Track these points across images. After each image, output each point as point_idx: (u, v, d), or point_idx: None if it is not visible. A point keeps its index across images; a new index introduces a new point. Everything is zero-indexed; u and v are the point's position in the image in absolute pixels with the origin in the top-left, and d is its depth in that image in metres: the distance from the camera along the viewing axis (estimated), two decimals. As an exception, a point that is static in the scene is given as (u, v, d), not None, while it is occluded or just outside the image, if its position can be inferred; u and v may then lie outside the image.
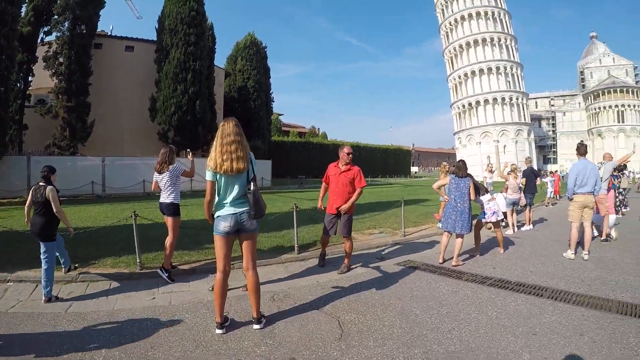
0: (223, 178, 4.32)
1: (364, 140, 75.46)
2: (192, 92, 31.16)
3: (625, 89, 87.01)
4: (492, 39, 74.74)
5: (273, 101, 45.99)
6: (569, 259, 8.01)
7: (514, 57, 76.60)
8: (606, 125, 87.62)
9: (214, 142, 4.37)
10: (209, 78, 34.65)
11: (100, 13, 31.16)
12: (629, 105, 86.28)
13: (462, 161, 7.91)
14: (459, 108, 79.55)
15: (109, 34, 38.56)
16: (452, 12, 78.78)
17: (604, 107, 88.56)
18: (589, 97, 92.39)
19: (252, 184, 4.37)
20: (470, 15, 76.00)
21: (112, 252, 7.81)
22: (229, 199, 4.34)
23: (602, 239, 10.05)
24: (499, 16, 76.49)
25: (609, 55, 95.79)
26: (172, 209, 6.60)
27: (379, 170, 69.09)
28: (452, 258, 7.59)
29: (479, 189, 8.18)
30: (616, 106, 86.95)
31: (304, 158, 54.25)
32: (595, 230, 10.27)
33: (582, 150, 8.58)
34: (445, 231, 7.81)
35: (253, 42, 43.85)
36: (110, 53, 35.00)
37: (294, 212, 8.33)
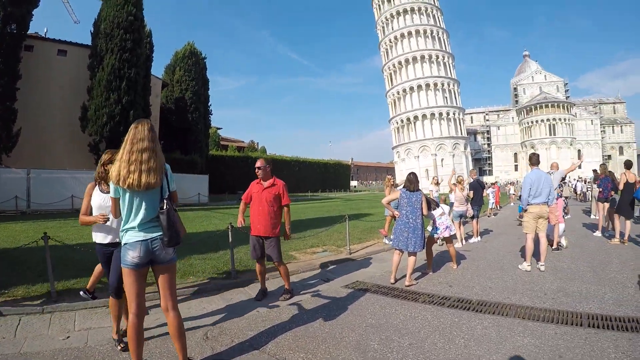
0: (127, 195, 3.39)
1: (304, 155, 75.07)
2: (126, 101, 29.28)
3: (556, 104, 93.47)
4: (430, 56, 76.51)
5: (211, 114, 44.63)
6: (525, 271, 7.70)
7: (451, 73, 78.68)
8: (539, 137, 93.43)
9: (121, 149, 3.42)
10: (145, 87, 32.77)
11: (33, 12, 28.47)
12: (559, 119, 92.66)
13: (414, 174, 7.24)
14: (397, 123, 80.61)
15: (43, 36, 35.90)
16: (392, 29, 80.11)
17: (537, 121, 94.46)
18: (522, 112, 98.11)
19: (165, 202, 3.45)
20: (409, 33, 77.55)
21: (25, 279, 6.60)
22: (136, 221, 3.42)
23: (553, 247, 9.91)
24: (437, 34, 78.63)
25: (540, 73, 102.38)
26: None
27: (318, 184, 69.17)
28: (404, 277, 6.96)
29: (430, 203, 7.66)
30: (548, 120, 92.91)
31: (243, 173, 51.96)
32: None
33: (534, 159, 8.26)
34: (396, 249, 7.12)
35: (192, 52, 42.47)
36: (42, 56, 32.13)
37: (229, 232, 7.43)
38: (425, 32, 77.30)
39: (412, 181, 7.04)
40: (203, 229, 13.66)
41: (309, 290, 6.70)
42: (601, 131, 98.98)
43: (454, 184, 11.71)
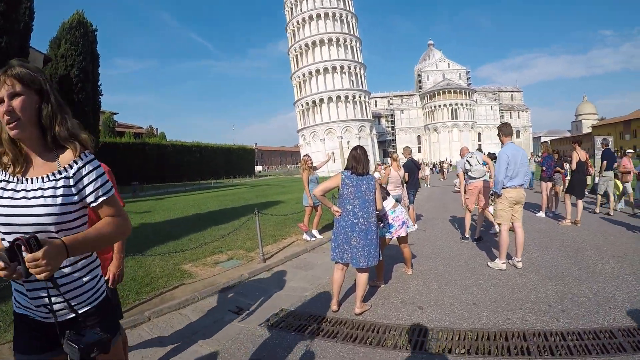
0: None
1: (206, 140, 70.96)
2: None
3: (459, 90, 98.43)
4: (338, 40, 75.43)
5: (102, 94, 38.34)
6: (500, 270, 6.09)
7: (358, 57, 78.36)
8: (441, 121, 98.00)
9: None
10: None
11: None
12: (461, 104, 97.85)
13: (361, 149, 4.74)
14: (302, 106, 79.00)
15: None
16: (301, 11, 77.74)
17: (440, 106, 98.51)
18: (426, 97, 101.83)
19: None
20: (318, 16, 75.73)
21: None
22: None
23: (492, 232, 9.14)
24: (346, 18, 77.69)
25: (444, 61, 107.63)
26: None
27: (222, 171, 65.17)
28: (346, 298, 5.03)
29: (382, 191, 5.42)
30: (450, 105, 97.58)
31: (140, 162, 47.77)
32: (497, 226, 8.92)
33: (507, 130, 6.46)
34: (338, 263, 4.70)
35: (81, 22, 36.28)
36: None
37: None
38: (334, 15, 76.01)
39: (359, 159, 4.61)
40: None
41: (209, 338, 4.26)
42: (500, 116, 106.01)
43: (380, 163, 9.78)
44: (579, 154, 10.07)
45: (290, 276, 6.38)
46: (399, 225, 5.56)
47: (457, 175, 9.62)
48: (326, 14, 75.72)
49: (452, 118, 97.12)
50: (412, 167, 10.49)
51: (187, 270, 6.52)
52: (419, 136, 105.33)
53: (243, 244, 8.45)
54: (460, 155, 9.65)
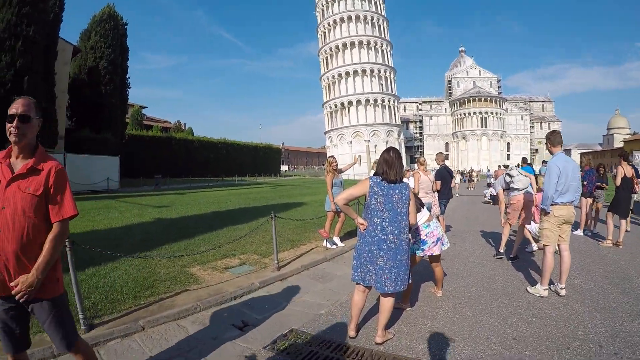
0: None
1: (232, 137, 71.08)
2: (21, 65, 23.29)
3: (489, 98, 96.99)
4: (368, 42, 74.97)
5: (129, 87, 38.77)
6: (541, 297, 5.36)
7: (388, 61, 77.78)
8: (470, 129, 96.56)
9: None
10: (48, 51, 26.76)
11: None
12: (491, 113, 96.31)
13: (395, 151, 3.99)
14: (331, 107, 78.68)
15: None
16: (332, 13, 77.60)
17: (469, 113, 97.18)
18: (455, 104, 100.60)
19: None
20: (349, 18, 75.46)
21: None
22: None
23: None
24: (377, 21, 77.24)
25: (475, 68, 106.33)
26: None
27: (247, 168, 65.19)
28: (366, 322, 4.39)
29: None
30: (480, 112, 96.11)
31: (165, 155, 48.26)
32: (534, 245, 8.46)
33: (556, 138, 5.74)
34: (359, 284, 4.01)
35: (111, 15, 36.60)
36: None
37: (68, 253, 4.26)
38: (365, 17, 75.62)
39: (392, 164, 3.86)
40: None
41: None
42: (530, 126, 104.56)
43: (408, 169, 9.15)
44: (625, 170, 9.26)
45: (305, 288, 5.77)
46: (432, 242, 4.89)
47: (497, 193, 8.80)
48: (357, 17, 75.37)
49: (482, 126, 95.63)
50: (446, 174, 9.75)
51: (194, 275, 5.98)
52: (447, 143, 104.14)
53: (258, 247, 7.90)
54: (494, 176, 8.94)
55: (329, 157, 8.76)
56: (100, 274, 5.76)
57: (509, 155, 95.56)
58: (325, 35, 79.66)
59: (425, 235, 4.86)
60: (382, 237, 3.77)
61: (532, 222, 8.25)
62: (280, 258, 6.85)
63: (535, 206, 8.17)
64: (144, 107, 69.57)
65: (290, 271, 6.41)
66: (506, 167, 9.25)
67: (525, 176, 7.71)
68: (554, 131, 5.72)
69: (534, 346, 3.85)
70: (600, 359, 3.60)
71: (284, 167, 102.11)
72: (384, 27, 78.64)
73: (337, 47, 76.42)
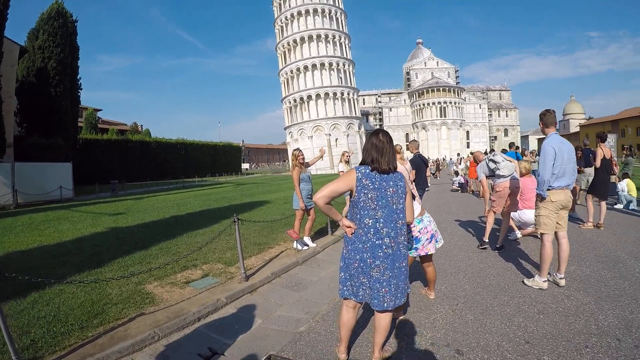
0: None
1: (191, 137, 69.43)
2: None
3: (447, 88, 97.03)
4: (327, 36, 74.05)
5: (81, 88, 36.68)
6: (540, 289, 4.99)
7: (346, 54, 77.06)
8: (430, 119, 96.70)
9: None
10: None
11: None
12: (450, 102, 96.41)
13: (385, 134, 3.26)
14: (290, 102, 77.36)
15: None
16: (289, 6, 76.15)
17: (428, 104, 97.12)
18: (414, 95, 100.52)
19: None
20: (307, 12, 74.31)
21: None
22: None
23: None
24: (335, 14, 76.29)
25: (433, 59, 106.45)
26: None
27: (208, 169, 63.61)
28: (355, 338, 3.81)
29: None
30: (439, 103, 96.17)
31: (122, 159, 46.27)
32: (518, 232, 8.27)
33: (550, 119, 5.18)
34: (347, 299, 3.31)
35: (60, 12, 34.02)
36: None
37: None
38: (323, 11, 74.60)
39: (383, 150, 3.15)
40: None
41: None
42: (488, 115, 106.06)
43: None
44: (604, 151, 9.01)
45: (279, 300, 5.10)
46: (427, 239, 4.30)
47: (481, 181, 8.28)
48: (315, 10, 74.33)
49: (441, 116, 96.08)
50: (420, 163, 9.25)
51: (151, 293, 5.18)
52: (407, 134, 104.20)
53: (222, 255, 7.11)
54: (475, 160, 8.38)
55: (294, 150, 7.93)
56: (44, 300, 4.93)
57: (468, 143, 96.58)
58: (282, 30, 78.32)
59: (419, 231, 4.28)
60: (377, 242, 3.07)
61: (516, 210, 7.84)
62: (247, 265, 6.16)
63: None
64: (99, 110, 67.17)
65: (260, 280, 5.70)
66: (489, 152, 8.75)
67: (510, 162, 7.22)
68: (547, 110, 5.17)
69: (550, 348, 3.40)
70: (622, 355, 3.21)
71: (245, 166, 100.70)
72: (341, 20, 77.85)
73: (295, 41, 75.21)
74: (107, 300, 4.89)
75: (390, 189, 3.10)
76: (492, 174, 7.38)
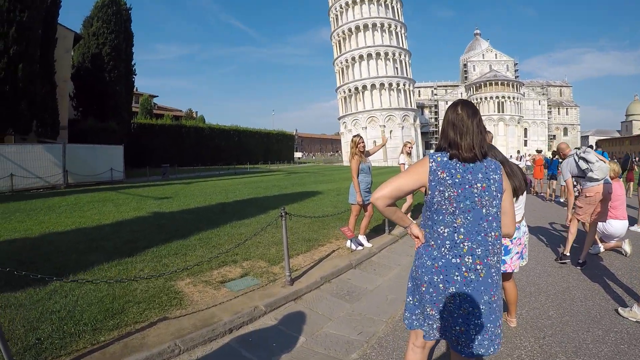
0: None
1: (245, 125, 69.84)
2: (15, 52, 21.64)
3: (506, 82, 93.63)
4: (382, 25, 72.19)
5: (135, 74, 37.88)
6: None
7: (402, 44, 74.90)
8: (487, 114, 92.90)
9: None
10: (46, 38, 25.25)
11: None
12: (508, 97, 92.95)
13: (468, 105, 2.23)
14: (344, 92, 76.20)
15: None
16: (344, -6, 74.94)
17: (485, 98, 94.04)
18: (471, 88, 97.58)
19: None
20: (362, 0, 72.71)
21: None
22: None
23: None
24: (391, 3, 74.29)
25: (491, 51, 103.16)
26: None
27: (260, 156, 63.72)
28: None
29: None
30: (497, 97, 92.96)
31: (175, 144, 47.08)
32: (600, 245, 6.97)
33: None
34: (416, 333, 2.35)
35: (113, 0, 34.94)
36: None
37: None
38: (378, -1, 72.71)
39: (463, 129, 2.16)
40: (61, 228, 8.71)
41: None
42: (548, 112, 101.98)
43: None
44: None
45: (327, 312, 4.32)
46: (517, 253, 3.45)
47: (566, 182, 6.88)
48: (369, -2, 72.64)
49: (499, 111, 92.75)
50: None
51: (180, 292, 4.53)
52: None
53: (266, 250, 6.41)
54: (559, 154, 7.07)
55: (354, 136, 6.97)
56: (64, 290, 4.40)
57: (525, 141, 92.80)
58: (337, 18, 77.14)
59: (511, 241, 3.40)
60: (453, 261, 2.12)
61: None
62: (293, 266, 5.43)
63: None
64: (155, 97, 68.58)
65: (307, 286, 4.93)
66: (578, 148, 7.55)
67: (604, 162, 6.14)
68: None
69: None
70: None
71: (297, 154, 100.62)
72: (397, 9, 75.73)
73: (350, 30, 73.83)
74: (131, 297, 4.29)
75: (479, 185, 2.12)
76: (581, 175, 6.26)
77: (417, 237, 2.26)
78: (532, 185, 18.15)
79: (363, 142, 6.83)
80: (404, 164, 8.92)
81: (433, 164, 2.18)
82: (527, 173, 19.84)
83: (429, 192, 2.20)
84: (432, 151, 2.43)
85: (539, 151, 21.48)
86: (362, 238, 7.05)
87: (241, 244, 5.48)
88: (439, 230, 2.15)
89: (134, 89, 39.20)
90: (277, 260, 5.80)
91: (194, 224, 8.61)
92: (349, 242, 6.82)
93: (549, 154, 28.61)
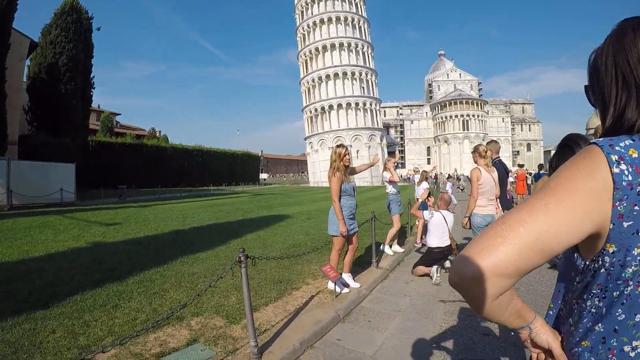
0: None
1: (209, 145, 67.89)
2: None
3: (470, 101, 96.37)
4: (349, 44, 72.04)
5: (93, 87, 35.57)
6: None
7: (369, 63, 74.93)
8: (452, 132, 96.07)
9: None
10: None
11: None
12: (473, 115, 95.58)
13: None
14: (311, 112, 75.33)
15: None
16: (311, 14, 74.27)
17: (450, 117, 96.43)
18: (437, 107, 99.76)
19: None
20: (329, 19, 72.35)
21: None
22: None
23: None
24: (358, 23, 74.34)
25: (455, 71, 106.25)
26: None
27: (224, 177, 61.82)
28: None
29: None
30: (462, 116, 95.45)
31: (135, 164, 44.67)
32: None
33: None
34: None
35: (74, 7, 32.68)
36: None
37: None
38: (345, 19, 72.66)
39: None
40: None
41: None
42: (511, 128, 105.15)
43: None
44: None
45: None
46: None
47: None
48: (337, 18, 72.45)
49: (464, 129, 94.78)
50: (503, 173, 6.79)
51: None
52: (428, 147, 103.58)
53: (224, 299, 4.80)
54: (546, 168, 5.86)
55: (337, 146, 5.44)
56: None
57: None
58: (304, 38, 76.51)
59: None
60: None
61: None
62: (260, 324, 3.95)
63: None
64: (118, 114, 66.25)
65: (282, 358, 3.42)
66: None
67: None
68: None
69: None
70: None
71: (263, 175, 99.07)
72: (364, 29, 75.82)
73: (316, 49, 73.25)
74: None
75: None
76: None
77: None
78: (514, 201, 17.29)
79: (349, 154, 5.35)
80: (389, 181, 7.60)
81: (623, 165, 0.79)
82: (509, 190, 18.99)
83: (610, 247, 0.82)
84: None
85: (520, 165, 20.88)
86: (346, 277, 5.57)
87: (194, 297, 3.93)
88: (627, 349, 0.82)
89: (92, 104, 36.83)
90: (238, 316, 4.20)
91: (136, 260, 6.97)
92: (331, 283, 5.21)
93: (514, 169, 28.56)
